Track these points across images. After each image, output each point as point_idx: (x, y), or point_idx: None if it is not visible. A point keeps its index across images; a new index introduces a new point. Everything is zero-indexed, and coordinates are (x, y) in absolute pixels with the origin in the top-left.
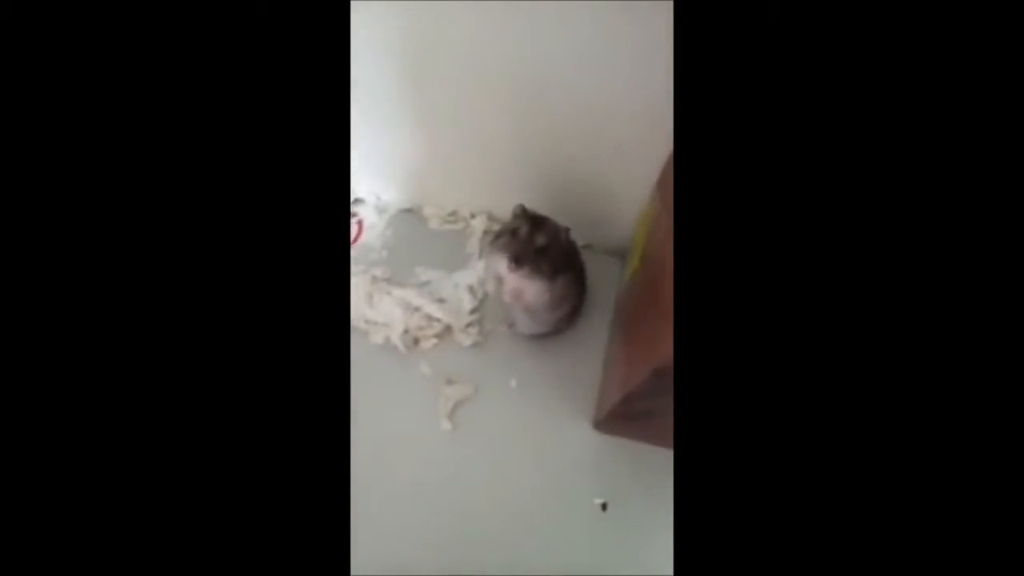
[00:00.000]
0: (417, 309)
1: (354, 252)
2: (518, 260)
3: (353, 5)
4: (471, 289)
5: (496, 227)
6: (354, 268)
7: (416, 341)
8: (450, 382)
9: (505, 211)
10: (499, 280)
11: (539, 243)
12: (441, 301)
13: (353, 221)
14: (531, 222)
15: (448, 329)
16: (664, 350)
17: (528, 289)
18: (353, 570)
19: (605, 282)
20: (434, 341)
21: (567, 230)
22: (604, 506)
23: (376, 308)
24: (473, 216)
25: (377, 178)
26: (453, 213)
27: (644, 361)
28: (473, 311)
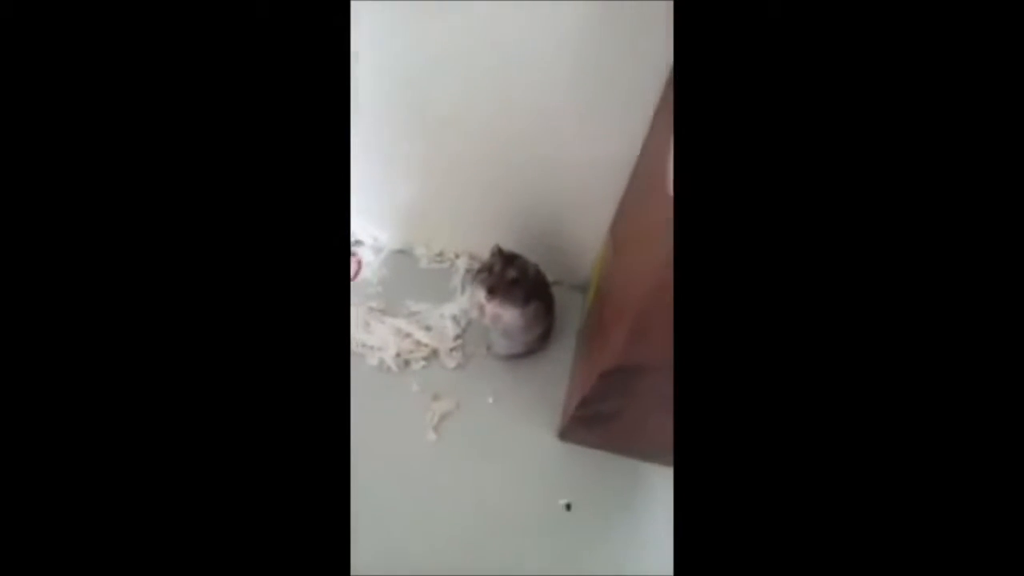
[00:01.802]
0: (408, 335)
1: (353, 286)
2: (492, 291)
3: (354, 85)
4: (455, 318)
5: (476, 266)
6: (352, 300)
7: (407, 363)
8: (436, 398)
9: (485, 252)
10: (480, 308)
11: (510, 276)
12: (428, 328)
13: (353, 260)
14: (504, 259)
15: (435, 352)
16: (606, 357)
17: (504, 314)
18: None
19: (571, 312)
20: (422, 363)
21: (535, 265)
22: (568, 506)
23: (372, 334)
24: (457, 256)
25: (374, 223)
26: (440, 253)
27: (593, 369)
28: (457, 337)
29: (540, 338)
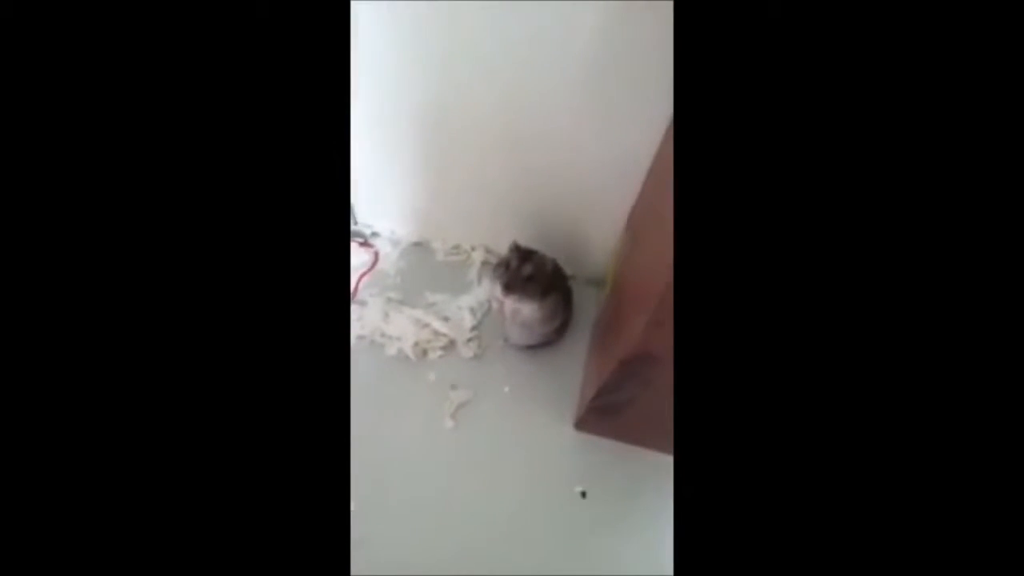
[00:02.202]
0: (426, 325)
1: (371, 278)
2: (508, 287)
3: (376, 82)
4: (472, 310)
5: (493, 259)
6: (371, 291)
7: (424, 353)
8: (453, 387)
9: (500, 245)
10: (500, 302)
11: (525, 272)
12: (446, 319)
13: (371, 252)
14: (520, 255)
15: (452, 343)
16: (624, 345)
17: (523, 308)
18: (366, 541)
19: (585, 306)
20: (440, 353)
21: (553, 260)
22: (583, 493)
23: (391, 324)
24: (473, 249)
25: (392, 216)
26: (456, 246)
27: (612, 357)
28: (473, 328)
29: (558, 330)
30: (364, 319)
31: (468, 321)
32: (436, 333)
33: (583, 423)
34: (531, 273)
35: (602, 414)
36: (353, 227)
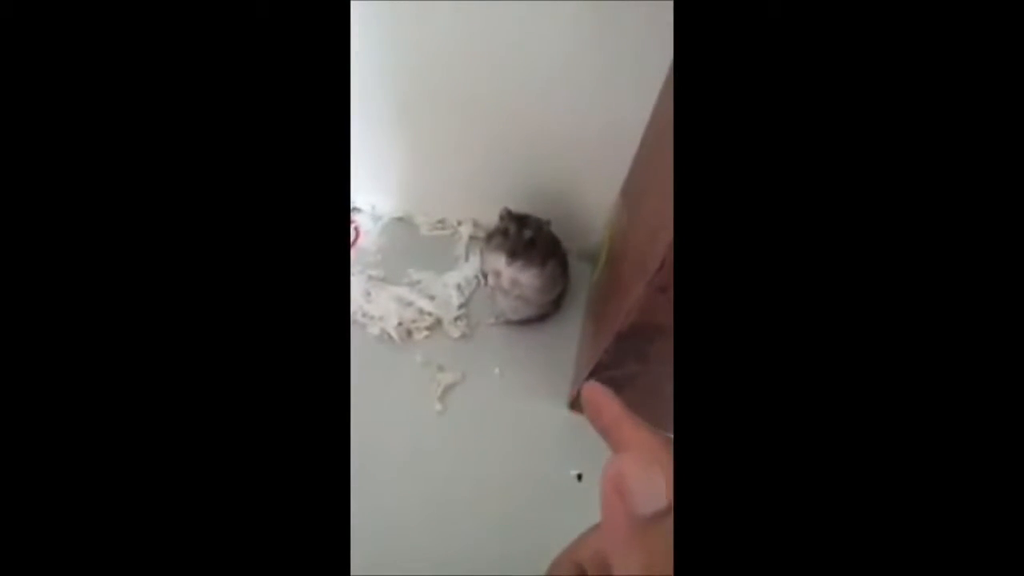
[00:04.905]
0: (410, 304)
1: (352, 255)
2: (513, 254)
3: (353, 47)
4: (459, 287)
5: (480, 233)
6: (352, 269)
7: (409, 333)
8: (440, 369)
9: (488, 219)
10: (497, 275)
11: (527, 236)
12: (432, 298)
13: (351, 227)
14: (517, 221)
15: (438, 322)
16: (623, 318)
17: (523, 277)
18: (351, 529)
19: (578, 282)
20: (426, 333)
21: (548, 223)
22: (579, 476)
23: (373, 303)
24: (460, 223)
25: (372, 189)
26: (441, 221)
27: (608, 331)
28: (461, 306)
29: (555, 301)
30: None
31: (455, 299)
32: (421, 312)
33: (577, 404)
34: (532, 237)
35: None
36: None
